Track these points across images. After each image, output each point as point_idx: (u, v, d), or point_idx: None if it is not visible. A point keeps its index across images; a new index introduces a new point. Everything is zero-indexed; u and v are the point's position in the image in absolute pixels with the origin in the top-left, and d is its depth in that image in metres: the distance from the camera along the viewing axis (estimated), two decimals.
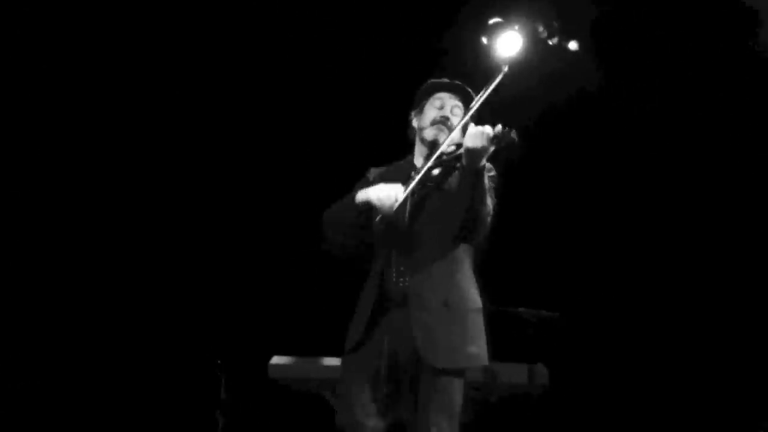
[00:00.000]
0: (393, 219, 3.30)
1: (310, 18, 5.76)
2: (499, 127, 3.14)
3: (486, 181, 3.23)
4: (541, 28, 5.26)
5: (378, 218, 3.27)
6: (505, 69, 3.36)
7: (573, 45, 5.33)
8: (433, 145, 3.44)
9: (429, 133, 3.49)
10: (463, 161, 3.20)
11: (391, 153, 3.68)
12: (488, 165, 3.28)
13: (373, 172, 3.58)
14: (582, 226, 6.00)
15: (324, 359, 4.90)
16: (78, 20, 5.57)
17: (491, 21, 5.39)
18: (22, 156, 5.61)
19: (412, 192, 3.32)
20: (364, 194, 3.33)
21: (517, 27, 5.40)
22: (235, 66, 5.80)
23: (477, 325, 3.33)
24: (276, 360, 4.86)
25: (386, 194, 3.27)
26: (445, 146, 3.36)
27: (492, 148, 3.16)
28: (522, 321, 4.82)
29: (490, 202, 3.30)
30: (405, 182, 3.33)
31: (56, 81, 5.64)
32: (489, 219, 3.31)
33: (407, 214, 3.36)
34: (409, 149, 3.61)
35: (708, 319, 5.76)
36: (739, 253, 5.79)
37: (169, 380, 5.59)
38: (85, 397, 5.50)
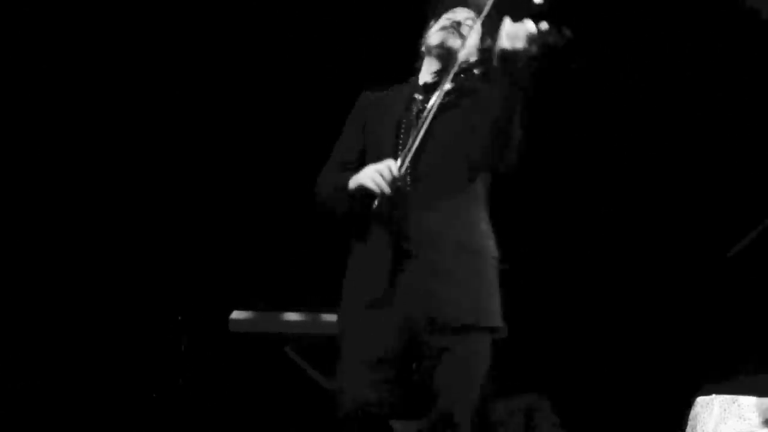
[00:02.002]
0: (396, 199, 2.83)
1: None
2: (544, 24, 2.66)
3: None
4: None
5: (376, 204, 2.81)
6: None
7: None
8: (439, 50, 2.99)
9: (435, 37, 3.01)
10: (497, 65, 2.70)
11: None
12: (560, 38, 2.78)
13: (367, 97, 3.15)
14: (540, 179, 6.02)
15: (285, 314, 4.92)
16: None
17: None
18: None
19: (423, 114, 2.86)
20: (354, 182, 2.84)
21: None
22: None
23: (495, 277, 2.91)
24: (236, 314, 4.86)
25: (379, 174, 2.79)
26: (462, 57, 2.91)
27: (534, 50, 2.67)
28: None
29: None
30: (405, 115, 2.94)
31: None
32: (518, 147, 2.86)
33: (416, 145, 2.85)
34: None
35: (666, 266, 5.84)
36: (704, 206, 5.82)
37: (129, 336, 5.56)
38: (45, 353, 5.46)
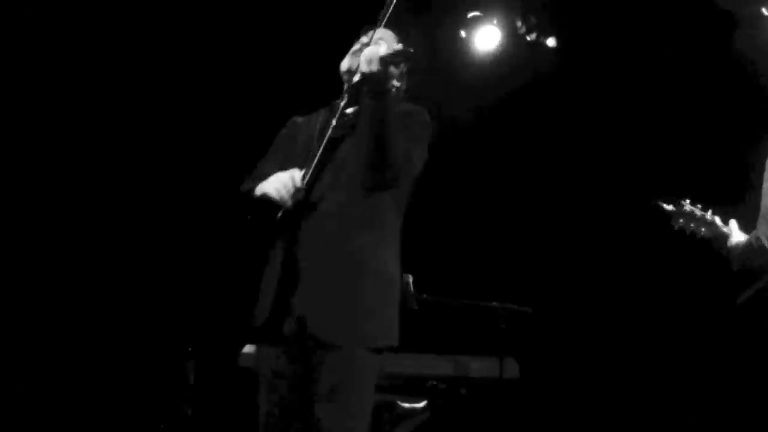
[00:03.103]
0: (298, 206, 2.89)
1: None
2: (399, 46, 2.83)
3: (392, 110, 2.84)
4: (519, 24, 5.29)
5: (279, 214, 2.88)
6: None
7: (551, 41, 5.36)
8: (348, 74, 3.09)
9: (344, 64, 3.12)
10: (365, 89, 2.86)
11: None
12: (418, 108, 3.00)
13: (294, 121, 3.22)
14: (555, 221, 6.02)
15: None
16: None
17: (470, 14, 5.39)
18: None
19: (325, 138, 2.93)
20: (260, 189, 2.92)
21: (495, 21, 5.45)
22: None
23: (379, 296, 2.87)
24: (248, 349, 4.84)
25: (282, 184, 2.86)
26: (356, 77, 3.02)
27: (391, 70, 2.89)
28: (494, 315, 4.83)
29: (415, 151, 2.93)
30: (318, 137, 2.97)
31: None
32: (407, 165, 2.92)
33: (315, 161, 2.91)
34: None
35: (678, 315, 5.79)
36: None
37: (138, 368, 5.55)
38: (53, 385, 5.45)
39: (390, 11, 2.94)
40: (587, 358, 5.91)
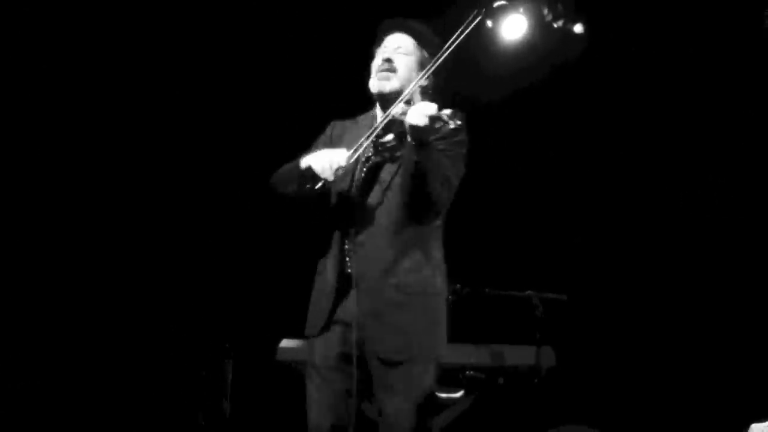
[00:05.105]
0: (338, 187, 3.11)
1: None
2: (447, 111, 2.90)
3: (438, 155, 3.00)
4: (545, 11, 5.27)
5: (318, 185, 3.03)
6: (483, 11, 3.20)
7: (578, 28, 5.34)
8: (380, 98, 3.24)
9: (372, 85, 3.25)
10: (408, 137, 2.95)
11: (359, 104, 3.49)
12: (456, 125, 2.97)
13: (335, 126, 3.38)
14: (590, 210, 6.00)
15: None
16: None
17: (496, 3, 5.38)
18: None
19: (364, 160, 3.13)
20: (305, 160, 3.09)
21: (521, 10, 5.43)
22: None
23: (432, 312, 3.10)
24: (285, 343, 4.87)
25: (328, 160, 3.01)
26: (397, 109, 3.10)
27: (434, 129, 2.92)
28: (530, 304, 4.83)
29: (454, 173, 3.08)
30: (355, 145, 3.12)
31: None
32: (449, 195, 3.10)
33: (357, 186, 3.13)
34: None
35: (714, 304, 5.75)
36: (744, 235, 5.75)
37: (176, 365, 5.60)
38: (92, 381, 5.51)
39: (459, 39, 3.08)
40: (624, 345, 5.87)
